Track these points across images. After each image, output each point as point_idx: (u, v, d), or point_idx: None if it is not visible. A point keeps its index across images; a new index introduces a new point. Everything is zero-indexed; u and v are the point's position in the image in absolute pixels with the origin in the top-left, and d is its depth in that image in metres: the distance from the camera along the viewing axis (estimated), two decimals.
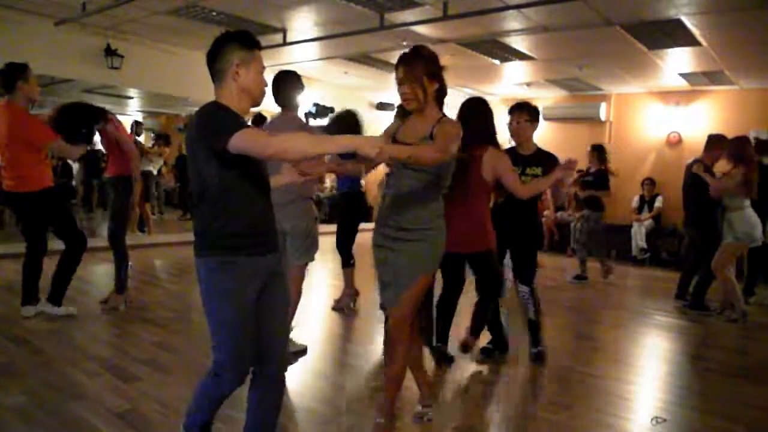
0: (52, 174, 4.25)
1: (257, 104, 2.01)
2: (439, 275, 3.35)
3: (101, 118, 4.26)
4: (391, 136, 2.54)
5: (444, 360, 3.63)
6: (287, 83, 3.50)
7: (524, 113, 3.66)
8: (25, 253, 4.17)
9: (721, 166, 5.22)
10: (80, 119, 4.20)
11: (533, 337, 3.78)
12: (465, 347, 3.73)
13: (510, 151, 3.63)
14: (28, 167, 3.99)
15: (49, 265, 4.20)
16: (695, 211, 5.35)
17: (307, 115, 3.45)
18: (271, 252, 2.02)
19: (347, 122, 3.82)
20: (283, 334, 2.18)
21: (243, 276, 1.92)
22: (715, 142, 5.26)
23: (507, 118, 3.77)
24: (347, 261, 4.79)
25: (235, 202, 1.90)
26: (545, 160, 3.62)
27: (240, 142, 1.74)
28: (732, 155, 4.92)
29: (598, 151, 6.68)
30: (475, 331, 3.74)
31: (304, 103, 3.52)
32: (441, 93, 2.46)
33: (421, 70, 2.36)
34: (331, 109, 3.38)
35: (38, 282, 4.19)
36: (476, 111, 3.34)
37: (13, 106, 3.94)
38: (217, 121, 1.83)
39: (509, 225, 3.59)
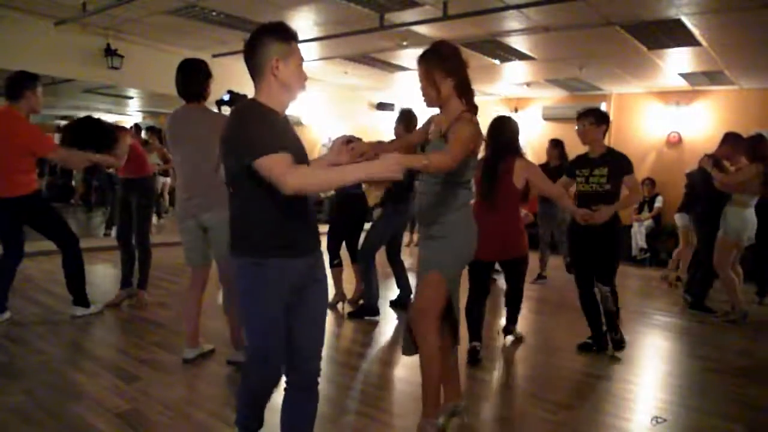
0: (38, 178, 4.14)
1: (295, 98, 1.96)
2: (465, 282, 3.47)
3: (112, 144, 4.23)
4: (426, 132, 2.59)
5: (472, 359, 3.67)
6: (194, 71, 3.33)
7: (590, 117, 3.90)
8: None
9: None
10: (91, 139, 4.14)
11: (610, 326, 4.02)
12: (507, 330, 4.15)
13: (580, 156, 4.01)
14: (19, 173, 3.89)
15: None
16: (703, 210, 5.30)
17: (219, 103, 3.28)
18: (306, 255, 1.96)
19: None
20: (315, 343, 2.09)
21: (271, 279, 1.88)
22: (728, 139, 5.11)
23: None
24: (331, 261, 4.76)
25: (264, 202, 1.84)
26: (612, 160, 3.83)
27: (263, 168, 1.73)
28: (749, 152, 4.80)
29: (560, 147, 6.49)
30: (512, 320, 4.15)
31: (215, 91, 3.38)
32: (461, 88, 2.41)
33: (432, 67, 2.36)
34: (244, 96, 3.18)
35: (9, 288, 4.08)
36: (501, 127, 3.70)
37: (14, 113, 3.86)
38: (250, 134, 1.78)
39: (591, 230, 3.74)
